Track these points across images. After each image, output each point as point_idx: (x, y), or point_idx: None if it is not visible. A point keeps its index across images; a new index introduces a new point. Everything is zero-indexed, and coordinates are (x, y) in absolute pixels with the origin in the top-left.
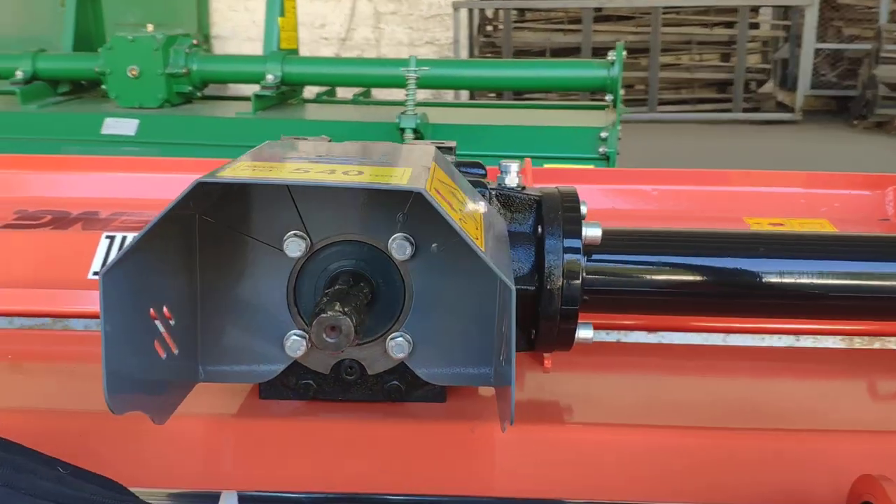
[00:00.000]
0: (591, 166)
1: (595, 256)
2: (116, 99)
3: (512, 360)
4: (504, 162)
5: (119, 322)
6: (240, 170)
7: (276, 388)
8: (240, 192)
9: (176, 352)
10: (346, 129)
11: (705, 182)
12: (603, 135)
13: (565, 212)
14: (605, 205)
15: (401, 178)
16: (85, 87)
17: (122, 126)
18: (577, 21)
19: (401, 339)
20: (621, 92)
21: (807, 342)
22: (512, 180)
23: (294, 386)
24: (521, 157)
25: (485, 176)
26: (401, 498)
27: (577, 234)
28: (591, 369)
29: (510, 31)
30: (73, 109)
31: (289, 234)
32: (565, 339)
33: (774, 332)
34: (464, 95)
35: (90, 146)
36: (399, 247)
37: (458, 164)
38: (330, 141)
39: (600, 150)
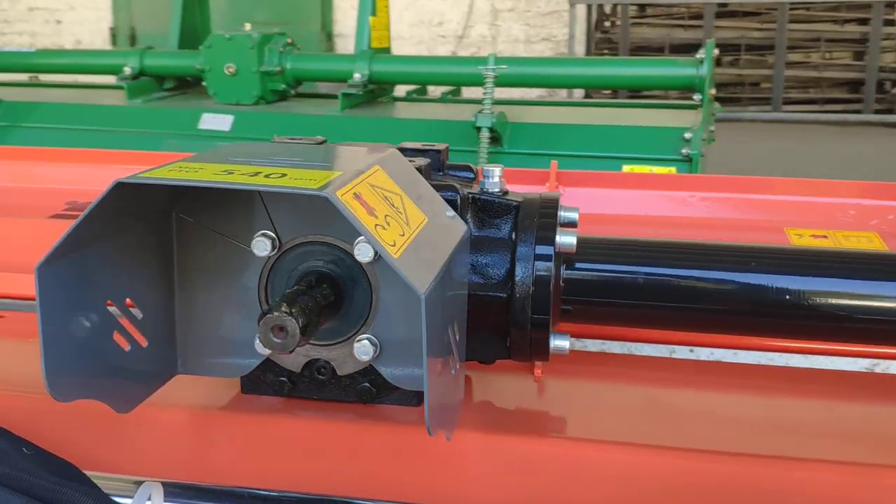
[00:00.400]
0: (671, 169)
1: (579, 265)
2: (215, 95)
3: (424, 365)
4: (487, 166)
5: (61, 314)
6: (163, 171)
7: (255, 383)
8: (215, 192)
9: (145, 344)
10: (429, 127)
11: (746, 189)
12: (686, 136)
13: (540, 218)
14: (638, 211)
15: (318, 180)
16: (190, 84)
17: (217, 122)
18: (699, 16)
19: (366, 341)
20: (712, 91)
21: (823, 362)
22: (493, 185)
23: (271, 382)
24: (596, 158)
25: (473, 179)
26: (363, 503)
27: (551, 242)
28: (588, 380)
29: (628, 26)
30: (174, 105)
31: (257, 233)
32: (540, 349)
33: (786, 350)
34: (578, 94)
35: (188, 140)
36: (362, 249)
37: (450, 167)
38: (323, 143)
39: (683, 151)
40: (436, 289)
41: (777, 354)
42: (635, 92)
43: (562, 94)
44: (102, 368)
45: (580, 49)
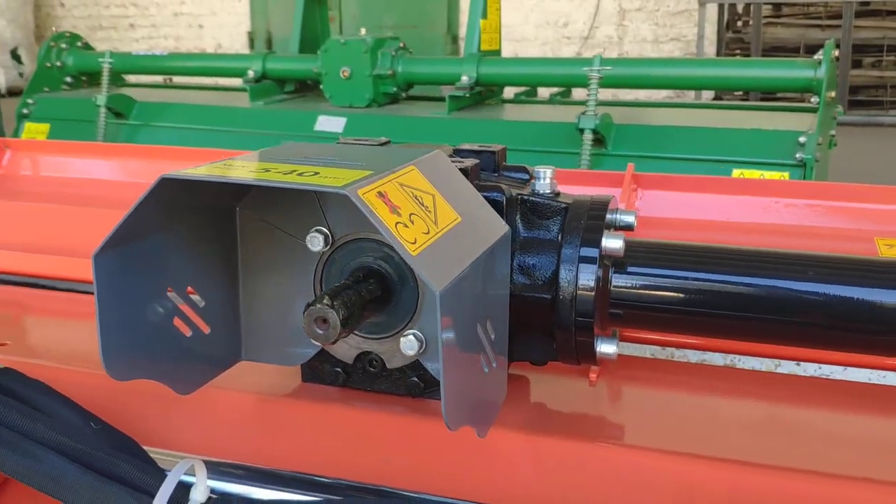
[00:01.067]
0: (784, 174)
1: (631, 269)
2: (330, 98)
3: (440, 360)
4: (538, 168)
5: (119, 299)
6: (206, 168)
7: (314, 372)
8: (276, 190)
9: (208, 331)
10: (535, 129)
11: (834, 197)
12: (801, 140)
13: (588, 220)
14: (718, 216)
15: (345, 179)
16: (309, 87)
17: (331, 123)
18: (838, 16)
19: (411, 336)
20: (831, 94)
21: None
22: (543, 187)
23: (328, 372)
24: (705, 161)
25: (527, 180)
26: (410, 495)
27: (597, 244)
28: (644, 386)
29: (760, 26)
30: (292, 107)
31: (312, 229)
32: (585, 352)
33: (850, 364)
34: (708, 95)
35: (304, 141)
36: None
37: (505, 168)
38: (385, 143)
39: (797, 155)
40: (458, 286)
41: (841, 368)
42: (769, 94)
43: (691, 95)
44: (162, 351)
45: (710, 49)
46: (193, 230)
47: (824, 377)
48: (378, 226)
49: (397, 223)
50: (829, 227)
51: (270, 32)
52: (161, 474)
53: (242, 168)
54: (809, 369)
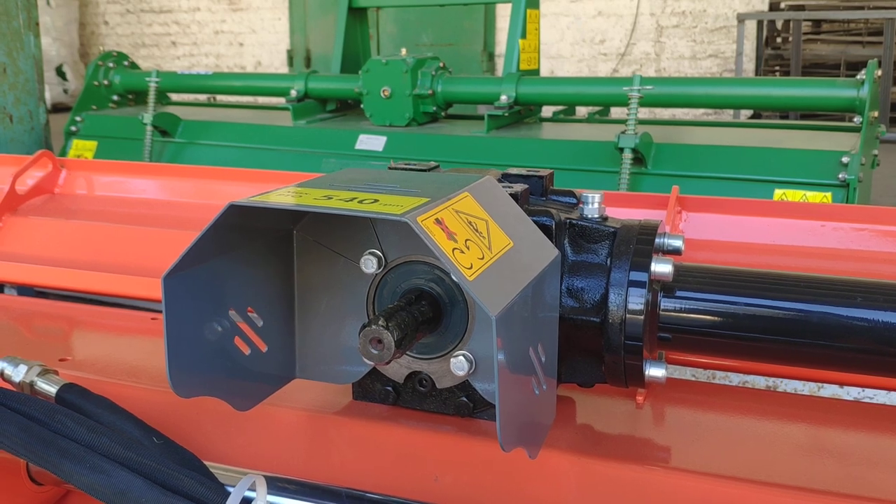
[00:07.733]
0: (826, 195)
1: (679, 294)
2: (371, 117)
3: (496, 383)
4: (586, 192)
5: (186, 319)
6: (273, 195)
7: (365, 390)
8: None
9: (265, 349)
10: (573, 148)
11: (879, 220)
12: (844, 160)
13: (637, 244)
14: (763, 239)
15: (404, 206)
16: (350, 106)
17: (372, 142)
18: (879, 32)
19: (461, 357)
20: (874, 114)
21: None
22: (591, 211)
23: (378, 391)
24: (746, 181)
25: (575, 204)
26: None
27: (646, 268)
28: (691, 409)
29: (800, 42)
30: (334, 126)
31: (366, 252)
32: (634, 376)
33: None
34: (745, 114)
35: (344, 159)
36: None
37: (553, 193)
38: (434, 168)
39: (840, 176)
40: (512, 310)
41: (884, 392)
42: (808, 112)
43: (728, 112)
44: (224, 370)
45: (749, 66)
46: (253, 252)
47: (867, 401)
48: (436, 252)
49: (454, 249)
50: (875, 251)
51: (309, 50)
52: (222, 489)
53: (306, 195)
54: (852, 392)
